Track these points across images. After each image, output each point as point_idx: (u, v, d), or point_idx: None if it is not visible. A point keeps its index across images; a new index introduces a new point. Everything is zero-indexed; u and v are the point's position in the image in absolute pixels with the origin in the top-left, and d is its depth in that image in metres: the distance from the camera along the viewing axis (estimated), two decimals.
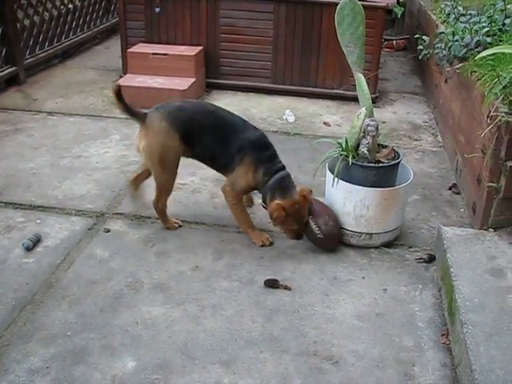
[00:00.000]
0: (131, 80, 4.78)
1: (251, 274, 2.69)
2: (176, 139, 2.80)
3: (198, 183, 3.52)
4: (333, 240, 2.87)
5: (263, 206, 2.90)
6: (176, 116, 2.82)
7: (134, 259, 2.77)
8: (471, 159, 3.11)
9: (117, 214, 3.16)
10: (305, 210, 2.79)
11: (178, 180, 3.28)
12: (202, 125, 2.82)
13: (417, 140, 4.31)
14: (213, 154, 2.87)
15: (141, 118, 2.82)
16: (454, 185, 3.54)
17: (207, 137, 2.82)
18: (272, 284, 2.61)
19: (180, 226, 3.05)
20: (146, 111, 2.87)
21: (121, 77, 5.12)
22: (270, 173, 2.77)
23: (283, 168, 2.84)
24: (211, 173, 3.60)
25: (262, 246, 2.90)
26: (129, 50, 5.02)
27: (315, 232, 2.81)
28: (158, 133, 2.78)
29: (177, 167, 2.92)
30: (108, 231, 2.99)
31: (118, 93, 2.74)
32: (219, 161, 2.88)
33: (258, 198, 3.08)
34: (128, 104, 2.81)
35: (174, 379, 2.09)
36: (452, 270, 2.47)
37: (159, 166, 2.84)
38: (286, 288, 2.60)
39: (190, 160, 2.95)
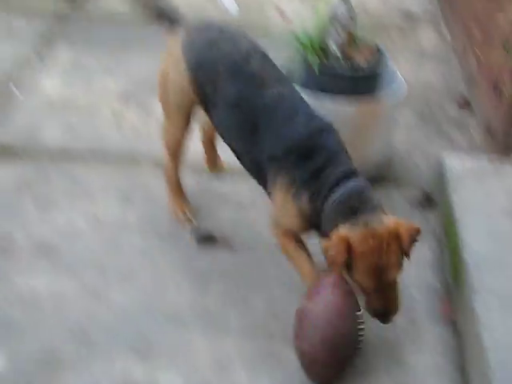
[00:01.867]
0: None
1: (175, 227, 2.71)
2: (185, 77, 2.58)
3: None
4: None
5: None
6: (195, 46, 2.59)
7: (2, 210, 2.75)
8: (488, 59, 3.15)
9: None
10: (391, 254, 2.14)
11: None
12: (222, 84, 2.49)
13: (413, 36, 4.34)
14: (233, 140, 2.56)
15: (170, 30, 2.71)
16: (464, 98, 3.60)
17: (226, 108, 2.50)
18: (206, 239, 2.63)
19: (190, 221, 2.80)
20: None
21: None
22: (324, 193, 2.26)
23: (351, 174, 2.30)
24: None
25: None
26: None
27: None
28: (168, 56, 2.66)
29: (185, 119, 2.69)
30: None
31: None
32: (245, 160, 2.54)
33: None
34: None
35: (65, 375, 2.10)
36: (458, 215, 2.53)
37: (161, 102, 2.73)
38: (226, 244, 2.63)
39: None
